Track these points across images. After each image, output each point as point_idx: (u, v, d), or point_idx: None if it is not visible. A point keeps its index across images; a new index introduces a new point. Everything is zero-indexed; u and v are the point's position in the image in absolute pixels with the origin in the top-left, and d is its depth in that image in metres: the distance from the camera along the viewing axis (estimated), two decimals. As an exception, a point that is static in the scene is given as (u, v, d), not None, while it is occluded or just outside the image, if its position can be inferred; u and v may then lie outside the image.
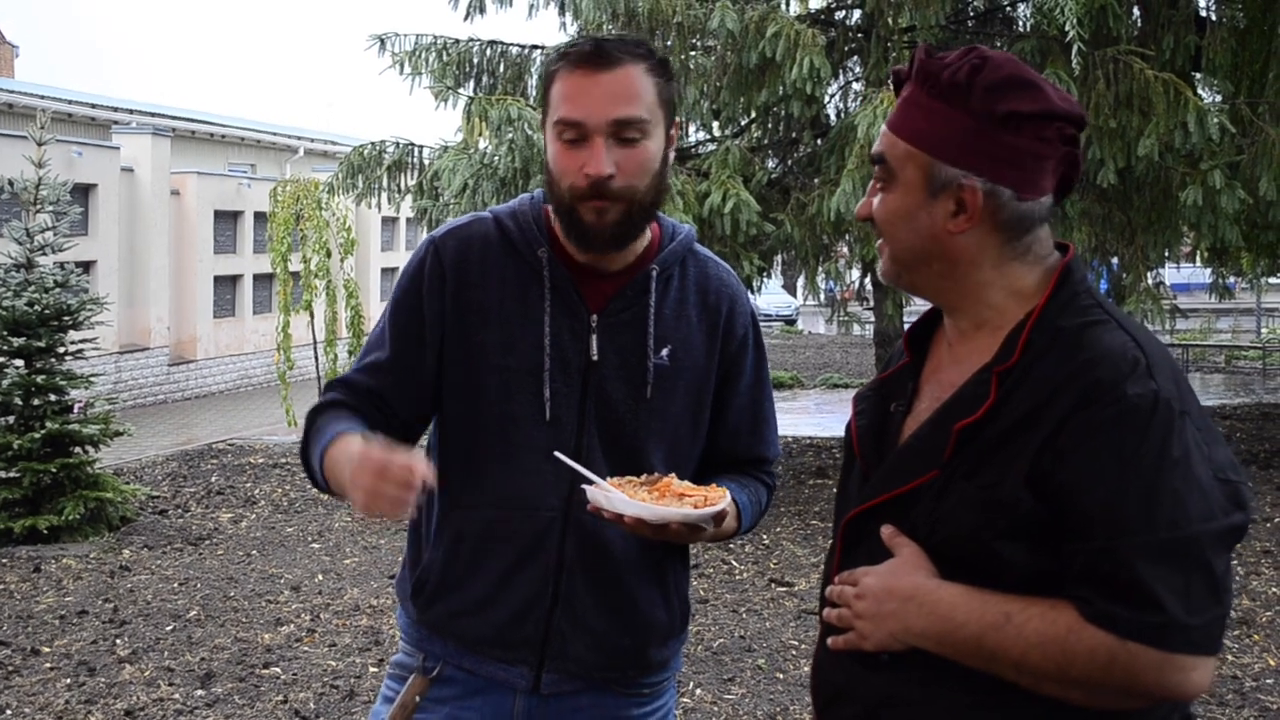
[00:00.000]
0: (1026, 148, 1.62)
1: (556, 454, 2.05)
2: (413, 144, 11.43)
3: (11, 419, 9.03)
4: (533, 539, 2.15)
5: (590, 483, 1.98)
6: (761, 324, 2.43)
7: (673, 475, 2.05)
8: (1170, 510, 1.48)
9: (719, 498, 1.98)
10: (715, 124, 10.61)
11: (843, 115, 11.06)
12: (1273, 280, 17.83)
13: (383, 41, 11.32)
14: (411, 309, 2.20)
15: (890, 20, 9.63)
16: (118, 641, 6.44)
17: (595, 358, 2.16)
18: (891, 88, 1.81)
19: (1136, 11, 10.12)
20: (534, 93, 11.60)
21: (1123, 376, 1.51)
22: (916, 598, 1.60)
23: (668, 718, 2.35)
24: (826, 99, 10.14)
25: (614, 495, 1.94)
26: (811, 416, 15.09)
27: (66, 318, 9.37)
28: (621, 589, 2.19)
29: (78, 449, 9.20)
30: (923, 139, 1.65)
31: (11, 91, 19.61)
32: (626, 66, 2.06)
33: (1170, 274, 14.79)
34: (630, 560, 2.19)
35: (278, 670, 5.97)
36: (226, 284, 20.67)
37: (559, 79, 2.08)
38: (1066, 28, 8.37)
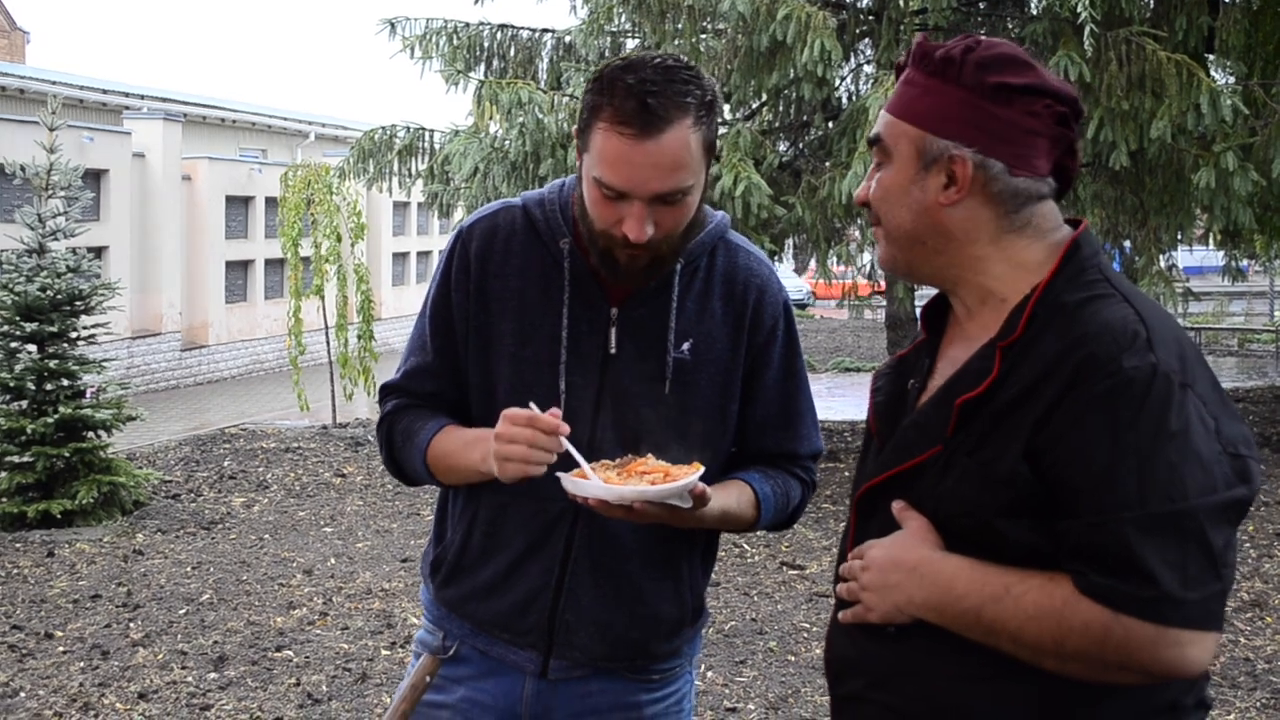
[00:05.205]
0: (1017, 121, 1.62)
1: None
2: (423, 128, 11.45)
3: (24, 403, 9.07)
4: (542, 529, 2.14)
5: (580, 469, 1.97)
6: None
7: (649, 456, 2.02)
8: (1165, 484, 1.46)
9: (684, 474, 1.93)
10: (726, 107, 10.58)
11: (854, 98, 11.03)
12: (1286, 262, 17.76)
13: (393, 25, 11.36)
14: (443, 302, 2.19)
15: (901, 2, 9.59)
16: (131, 625, 6.47)
17: (613, 351, 2.13)
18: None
19: (1149, -8, 10.08)
20: (544, 76, 11.60)
21: (1120, 350, 1.50)
22: (920, 569, 1.60)
23: (682, 703, 2.31)
24: (837, 82, 10.11)
25: (584, 481, 1.92)
26: (823, 400, 14.99)
27: (79, 303, 9.40)
28: (629, 582, 2.17)
29: (90, 433, 9.23)
30: (915, 114, 1.67)
31: (23, 77, 19.67)
32: (674, 128, 1.93)
33: (1183, 257, 14.75)
34: (641, 553, 2.16)
35: (290, 653, 6.00)
36: (238, 269, 20.71)
37: (601, 131, 1.96)
38: (1079, 9, 8.33)
